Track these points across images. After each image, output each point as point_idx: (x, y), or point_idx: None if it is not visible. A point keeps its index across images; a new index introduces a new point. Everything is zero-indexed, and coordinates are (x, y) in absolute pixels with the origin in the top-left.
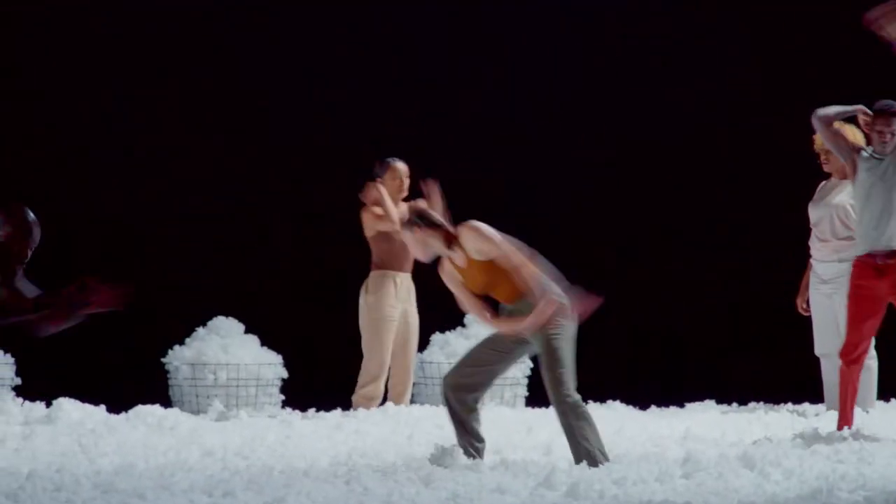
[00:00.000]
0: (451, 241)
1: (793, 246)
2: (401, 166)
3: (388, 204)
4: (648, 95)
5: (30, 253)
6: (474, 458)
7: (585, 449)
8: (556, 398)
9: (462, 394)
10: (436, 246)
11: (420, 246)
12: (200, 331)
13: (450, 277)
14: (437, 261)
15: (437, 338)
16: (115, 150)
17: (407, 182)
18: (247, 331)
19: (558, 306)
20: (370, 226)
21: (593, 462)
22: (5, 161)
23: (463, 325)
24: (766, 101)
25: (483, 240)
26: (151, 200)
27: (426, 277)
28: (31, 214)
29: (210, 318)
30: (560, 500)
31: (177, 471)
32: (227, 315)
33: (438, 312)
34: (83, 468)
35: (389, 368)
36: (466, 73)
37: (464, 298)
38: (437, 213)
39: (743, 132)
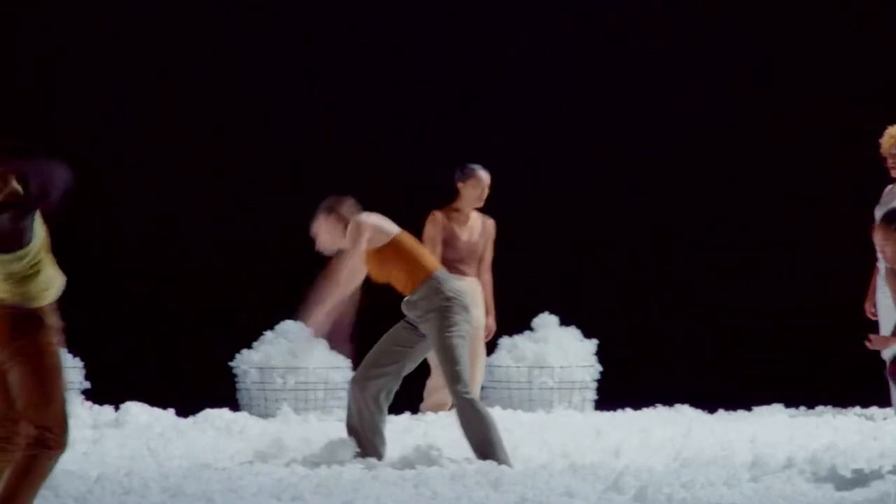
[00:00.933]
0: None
1: (795, 246)
2: (483, 175)
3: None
4: (648, 95)
5: None
6: (373, 458)
7: (486, 442)
8: (453, 394)
9: (374, 394)
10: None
11: (328, 236)
12: (268, 335)
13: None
14: None
15: (504, 341)
16: (115, 150)
17: (486, 192)
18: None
19: (451, 301)
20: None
21: (496, 457)
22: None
23: (531, 329)
24: (766, 101)
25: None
26: (151, 200)
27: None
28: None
29: (278, 322)
30: None
31: (245, 474)
32: (294, 319)
33: (506, 316)
34: (151, 472)
35: None
36: (466, 73)
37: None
38: None
39: (743, 132)
